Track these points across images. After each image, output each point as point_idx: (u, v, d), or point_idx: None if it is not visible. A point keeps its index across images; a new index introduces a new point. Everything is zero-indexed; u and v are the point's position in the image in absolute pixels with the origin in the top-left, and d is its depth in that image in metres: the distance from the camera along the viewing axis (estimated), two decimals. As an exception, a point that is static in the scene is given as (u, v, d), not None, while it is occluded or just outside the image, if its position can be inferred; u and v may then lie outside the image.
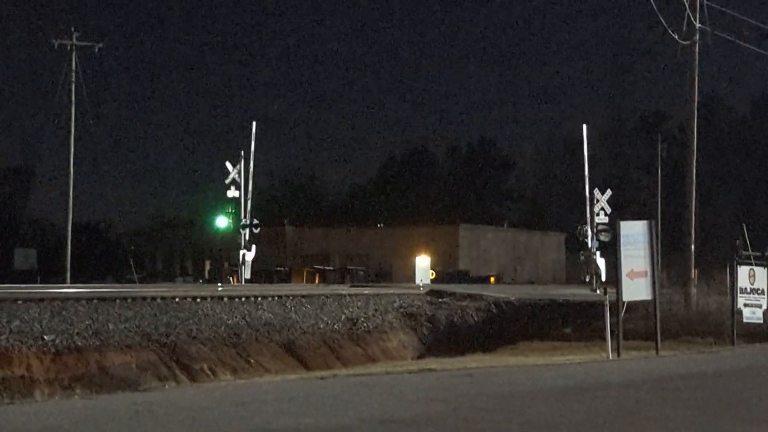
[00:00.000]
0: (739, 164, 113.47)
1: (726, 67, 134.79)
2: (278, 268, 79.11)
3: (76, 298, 35.25)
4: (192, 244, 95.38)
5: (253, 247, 62.69)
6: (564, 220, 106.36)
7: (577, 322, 40.85)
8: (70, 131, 65.74)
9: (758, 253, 33.96)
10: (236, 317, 37.73)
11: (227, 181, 62.69)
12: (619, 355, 26.41)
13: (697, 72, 41.68)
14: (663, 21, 40.12)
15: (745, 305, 32.53)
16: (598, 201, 61.90)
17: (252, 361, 34.38)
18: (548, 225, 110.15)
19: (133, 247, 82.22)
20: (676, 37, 40.73)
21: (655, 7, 39.62)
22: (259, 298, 40.87)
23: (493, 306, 46.21)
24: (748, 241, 34.59)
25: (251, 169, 63.56)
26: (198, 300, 38.43)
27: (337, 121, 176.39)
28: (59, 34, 65.98)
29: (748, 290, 32.64)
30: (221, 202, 64.48)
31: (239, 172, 62.60)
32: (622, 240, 26.92)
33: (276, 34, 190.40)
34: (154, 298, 37.24)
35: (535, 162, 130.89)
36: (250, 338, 36.20)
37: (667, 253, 40.58)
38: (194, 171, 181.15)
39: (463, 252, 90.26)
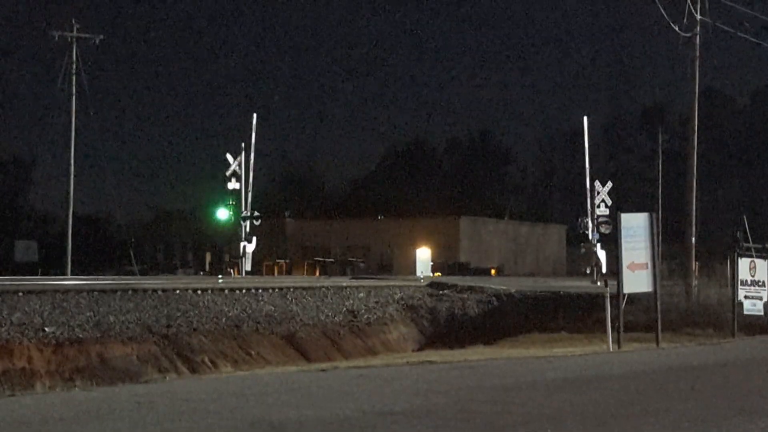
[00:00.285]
0: (740, 156, 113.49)
1: (727, 59, 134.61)
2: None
3: (77, 290, 35.29)
4: (193, 236, 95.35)
5: (254, 239, 62.76)
6: (565, 212, 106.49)
7: (578, 315, 40.83)
8: (70, 123, 65.73)
9: (759, 245, 33.96)
10: (237, 309, 37.76)
11: (228, 173, 62.74)
12: (619, 347, 26.42)
13: (697, 64, 41.63)
14: (664, 13, 40.08)
15: (746, 297, 32.53)
16: (598, 193, 61.92)
17: (253, 352, 34.41)
18: (549, 217, 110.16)
19: (133, 239, 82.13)
20: (677, 29, 40.68)
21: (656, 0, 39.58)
22: (260, 290, 40.91)
23: (493, 298, 46.22)
24: (748, 233, 34.59)
25: (252, 161, 63.63)
26: (199, 292, 38.46)
27: (338, 113, 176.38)
28: (60, 25, 66.02)
29: (749, 282, 32.63)
30: (222, 194, 64.53)
31: (240, 164, 62.66)
32: (623, 232, 26.91)
33: (276, 26, 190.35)
34: (155, 290, 37.27)
35: (535, 154, 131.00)
36: (251, 330, 36.24)
37: (667, 245, 40.55)
38: (195, 163, 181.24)
39: (463, 244, 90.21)
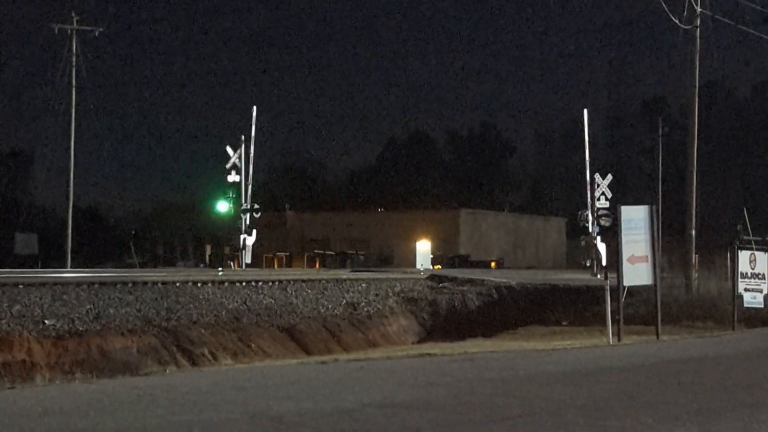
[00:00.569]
0: (740, 149, 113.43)
1: (727, 52, 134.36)
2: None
3: (77, 283, 35.31)
4: (192, 229, 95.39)
5: (254, 231, 62.74)
6: (565, 204, 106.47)
7: (578, 307, 40.87)
8: (70, 115, 65.68)
9: (759, 238, 33.98)
10: (237, 302, 37.76)
11: (228, 166, 62.70)
12: (619, 340, 26.42)
13: (698, 56, 41.61)
14: (665, 6, 40.07)
15: (746, 290, 32.53)
16: (599, 186, 61.91)
17: (253, 345, 34.41)
18: (549, 210, 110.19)
19: (133, 232, 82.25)
20: (677, 21, 40.66)
21: (656, -8, 39.55)
22: (260, 283, 40.90)
23: (493, 291, 46.24)
24: (748, 226, 34.61)
25: (252, 154, 63.56)
26: (199, 285, 38.46)
27: (338, 106, 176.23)
28: (59, 18, 65.94)
29: (749, 275, 32.63)
30: (222, 187, 64.49)
31: (240, 157, 62.61)
32: (623, 225, 26.91)
33: (277, 18, 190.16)
34: (154, 283, 37.28)
35: (536, 147, 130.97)
36: (251, 323, 36.24)
37: (667, 238, 40.60)
38: (195, 155, 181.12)
39: (463, 237, 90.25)
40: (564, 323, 38.43)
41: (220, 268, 59.98)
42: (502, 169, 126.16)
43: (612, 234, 39.82)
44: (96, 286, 35.16)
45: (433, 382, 16.51)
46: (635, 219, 27.30)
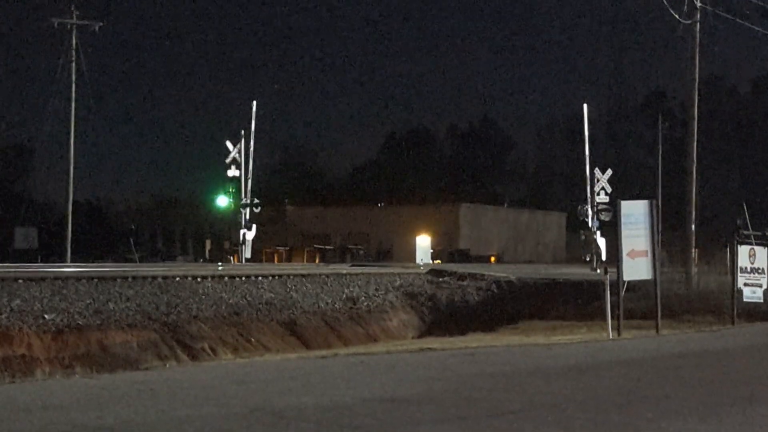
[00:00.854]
0: (740, 144, 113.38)
1: (727, 47, 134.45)
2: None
3: (77, 277, 35.32)
4: (192, 224, 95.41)
5: (254, 226, 62.80)
6: (565, 199, 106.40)
7: (578, 302, 40.84)
8: (70, 110, 65.67)
9: (759, 233, 33.92)
10: (237, 296, 37.78)
11: (228, 161, 62.80)
12: (619, 335, 26.41)
13: (698, 51, 41.57)
14: (664, 0, 40.01)
15: (746, 285, 32.50)
16: (598, 180, 61.96)
17: (253, 340, 34.43)
18: (549, 204, 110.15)
19: (133, 227, 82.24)
20: (677, 16, 40.62)
21: (656, -14, 39.52)
22: (260, 278, 40.92)
23: (493, 285, 46.24)
24: (748, 221, 34.56)
25: (251, 149, 63.64)
26: (198, 279, 38.48)
27: (338, 101, 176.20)
28: (59, 12, 65.91)
29: (749, 270, 32.60)
30: (222, 182, 64.59)
31: (240, 152, 62.68)
32: (623, 219, 26.88)
33: (277, 12, 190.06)
34: (154, 278, 37.29)
35: (536, 141, 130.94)
36: (251, 317, 36.26)
37: (667, 233, 40.56)
38: (195, 150, 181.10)
39: (463, 231, 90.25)
40: (564, 319, 38.45)
41: (220, 263, 60.02)
42: (502, 164, 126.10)
43: (612, 228, 39.75)
44: (96, 280, 35.17)
45: (433, 376, 16.52)
46: (635, 214, 27.28)
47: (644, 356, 21.03)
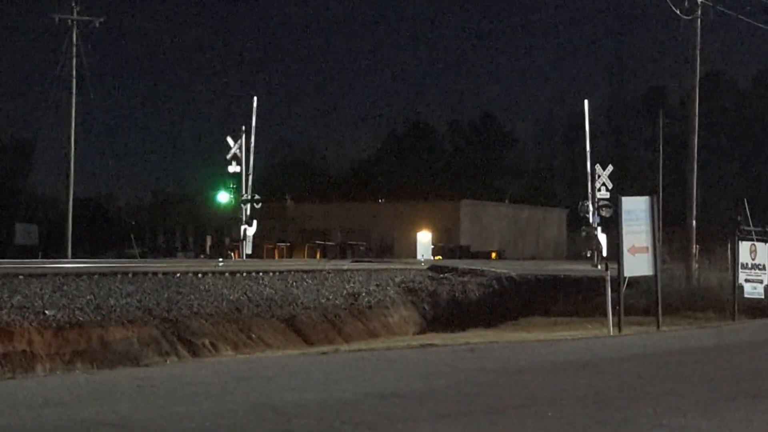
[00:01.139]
0: (741, 139, 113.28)
1: (728, 42, 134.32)
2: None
3: (78, 273, 35.30)
4: (193, 220, 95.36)
5: (254, 222, 62.74)
6: (565, 195, 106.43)
7: (579, 298, 40.85)
8: (71, 106, 65.62)
9: (759, 229, 33.93)
10: (238, 292, 37.76)
11: (228, 156, 62.71)
12: (620, 331, 26.42)
13: (699, 47, 41.55)
14: (665, -5, 39.97)
15: (746, 280, 32.52)
16: (599, 176, 61.89)
17: (253, 336, 34.42)
18: (550, 200, 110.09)
19: (134, 223, 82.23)
20: (678, 12, 40.59)
21: (657, -18, 39.50)
22: (261, 274, 40.89)
23: (494, 281, 46.23)
24: (749, 217, 34.57)
25: (252, 144, 63.55)
26: (199, 275, 38.46)
27: (339, 97, 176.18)
28: (60, 8, 65.84)
29: (749, 265, 32.62)
30: (222, 178, 64.53)
31: (240, 147, 62.61)
32: (624, 215, 26.89)
33: (277, 8, 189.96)
34: (155, 273, 37.27)
35: (536, 137, 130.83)
36: (252, 313, 36.26)
37: (668, 229, 40.56)
38: (195, 146, 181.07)
39: (464, 227, 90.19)
40: (564, 315, 38.45)
41: (220, 259, 60.01)
42: (504, 160, 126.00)
43: (612, 225, 39.75)
44: (96, 276, 35.16)
45: (434, 372, 16.52)
46: (636, 210, 27.29)
47: (645, 352, 21.03)
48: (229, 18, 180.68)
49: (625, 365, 18.31)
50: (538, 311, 40.22)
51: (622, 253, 26.69)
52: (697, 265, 41.24)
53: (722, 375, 17.16)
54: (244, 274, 40.25)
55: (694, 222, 41.49)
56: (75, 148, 66.00)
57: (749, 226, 33.93)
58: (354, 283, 43.22)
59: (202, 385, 14.70)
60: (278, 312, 37.30)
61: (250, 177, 63.38)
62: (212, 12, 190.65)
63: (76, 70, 65.41)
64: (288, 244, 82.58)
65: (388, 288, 44.04)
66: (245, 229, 62.32)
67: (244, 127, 63.28)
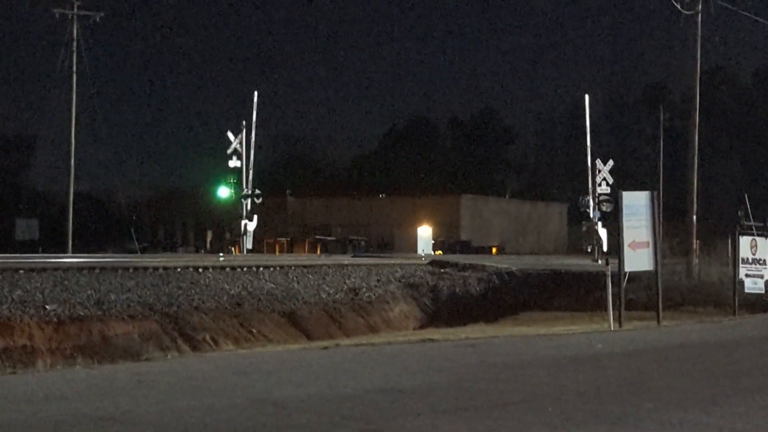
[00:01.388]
0: (742, 135, 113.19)
1: (729, 38, 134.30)
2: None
3: (78, 268, 35.32)
4: (194, 215, 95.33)
5: (255, 217, 62.75)
6: (566, 190, 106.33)
7: (579, 293, 40.85)
8: (71, 100, 65.62)
9: (760, 224, 33.89)
10: (238, 287, 37.78)
11: (229, 152, 62.68)
12: (620, 326, 26.41)
13: (699, 42, 41.52)
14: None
15: (747, 276, 32.50)
16: (600, 171, 61.85)
17: (254, 331, 34.44)
18: (550, 195, 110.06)
19: (134, 217, 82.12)
20: (679, 7, 40.58)
21: (658, -23, 39.49)
22: (261, 269, 40.91)
23: (494, 276, 46.24)
24: (749, 212, 34.53)
25: (253, 139, 63.54)
26: (200, 270, 38.48)
27: (340, 92, 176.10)
28: (60, 3, 65.81)
29: (750, 261, 32.60)
30: (223, 173, 64.52)
31: (241, 142, 62.58)
32: (624, 210, 26.86)
33: (279, 3, 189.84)
34: (156, 269, 37.30)
35: (537, 132, 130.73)
36: (253, 308, 36.28)
37: (669, 224, 40.54)
38: (196, 141, 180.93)
39: (465, 222, 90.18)
40: (565, 310, 38.45)
41: (221, 254, 60.01)
42: (504, 155, 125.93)
43: (613, 220, 39.72)
44: (97, 271, 35.17)
45: (434, 367, 16.51)
46: (636, 205, 27.26)
47: (645, 347, 21.02)
48: (231, 13, 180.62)
49: (625, 360, 18.31)
50: (538, 306, 40.23)
51: (623, 248, 26.67)
52: (697, 260, 41.24)
53: (722, 370, 17.16)
54: (245, 269, 40.28)
55: (694, 217, 41.49)
56: (75, 143, 66.07)
57: (750, 221, 33.89)
58: (354, 278, 43.24)
59: (202, 379, 14.70)
60: (279, 307, 37.32)
61: (251, 172, 63.37)
62: (213, 6, 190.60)
63: (77, 65, 65.45)
64: (288, 239, 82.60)
65: (389, 283, 44.06)
66: (246, 224, 62.34)
67: (244, 122, 63.29)
